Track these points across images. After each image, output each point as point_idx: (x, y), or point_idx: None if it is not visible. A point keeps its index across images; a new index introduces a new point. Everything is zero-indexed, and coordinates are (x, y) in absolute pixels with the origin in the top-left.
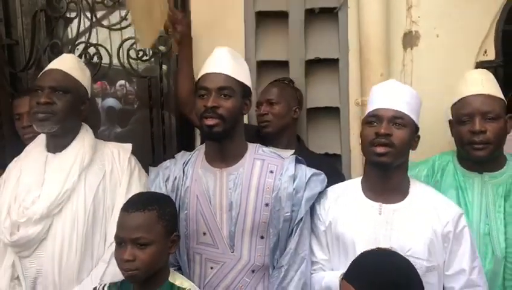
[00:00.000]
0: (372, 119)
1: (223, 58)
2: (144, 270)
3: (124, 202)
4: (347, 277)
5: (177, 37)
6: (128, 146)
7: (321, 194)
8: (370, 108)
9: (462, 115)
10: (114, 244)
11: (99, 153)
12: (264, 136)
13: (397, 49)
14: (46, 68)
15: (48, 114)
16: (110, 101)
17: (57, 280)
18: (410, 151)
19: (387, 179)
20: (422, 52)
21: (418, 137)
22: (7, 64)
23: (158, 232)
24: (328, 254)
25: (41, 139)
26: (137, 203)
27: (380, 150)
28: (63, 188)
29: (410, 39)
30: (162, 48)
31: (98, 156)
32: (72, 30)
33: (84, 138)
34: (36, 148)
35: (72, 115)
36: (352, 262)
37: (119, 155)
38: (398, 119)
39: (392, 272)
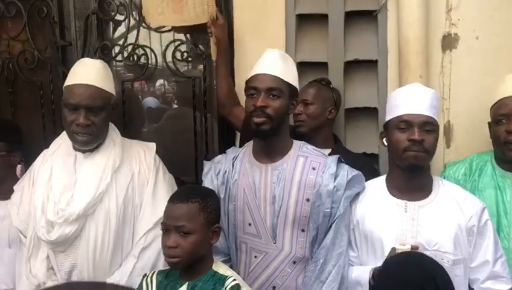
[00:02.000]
0: (402, 125)
1: (273, 60)
2: (185, 257)
3: (151, 199)
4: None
5: (214, 41)
6: (152, 145)
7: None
8: (397, 112)
9: (498, 115)
10: (142, 239)
11: (126, 153)
12: (299, 135)
13: (436, 52)
14: (76, 80)
15: (88, 135)
16: (150, 101)
17: (91, 273)
18: (448, 151)
19: (412, 179)
20: (461, 55)
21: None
22: (61, 64)
23: (199, 222)
24: (357, 251)
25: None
26: (182, 195)
27: (416, 155)
28: (97, 191)
29: (449, 41)
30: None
31: (126, 156)
32: (121, 32)
33: (114, 139)
34: (64, 145)
35: (106, 126)
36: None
37: (145, 155)
38: (428, 125)
39: (418, 274)
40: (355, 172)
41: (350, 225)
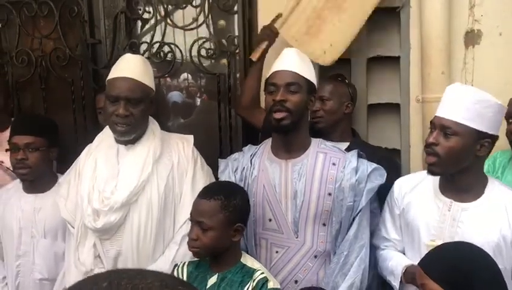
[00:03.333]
0: (431, 126)
1: (291, 57)
2: (204, 250)
3: (191, 189)
4: (421, 262)
5: (265, 46)
6: (190, 137)
7: (401, 180)
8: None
9: (507, 114)
10: (183, 227)
11: (166, 144)
12: (317, 131)
13: (459, 48)
14: (117, 74)
15: (126, 126)
16: (175, 95)
17: (135, 259)
18: None
19: (456, 180)
20: (484, 51)
21: (488, 143)
22: (91, 62)
23: (219, 220)
24: (400, 235)
25: (109, 131)
26: (207, 191)
27: (428, 159)
28: (140, 180)
29: (472, 37)
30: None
31: (165, 148)
32: (148, 30)
33: (154, 131)
34: (106, 139)
35: (146, 119)
36: (430, 252)
37: (183, 147)
38: (448, 128)
39: (457, 258)
40: (375, 165)
41: (396, 211)
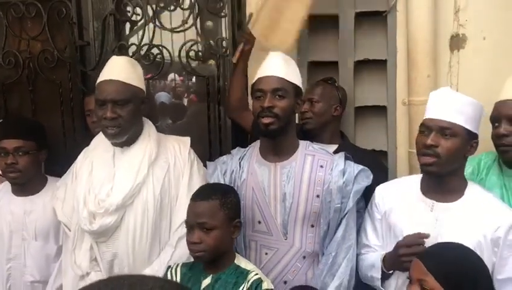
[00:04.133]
0: (422, 128)
1: (277, 62)
2: (209, 251)
3: (187, 191)
4: (421, 257)
5: (243, 48)
6: (187, 139)
7: (382, 185)
8: (425, 116)
9: (492, 118)
10: (179, 229)
11: (162, 147)
12: (306, 132)
13: (444, 52)
14: (103, 77)
15: (116, 128)
16: (162, 96)
17: (131, 262)
18: None
19: (441, 182)
20: (468, 55)
21: (476, 143)
22: (79, 64)
23: (221, 218)
24: (382, 240)
25: None
26: (202, 193)
27: (425, 160)
28: (135, 182)
29: (457, 42)
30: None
31: (162, 150)
32: (137, 32)
33: (150, 134)
34: (103, 142)
35: (136, 120)
36: (430, 247)
37: (180, 149)
38: (447, 129)
39: (462, 261)
40: (361, 167)
41: (377, 216)
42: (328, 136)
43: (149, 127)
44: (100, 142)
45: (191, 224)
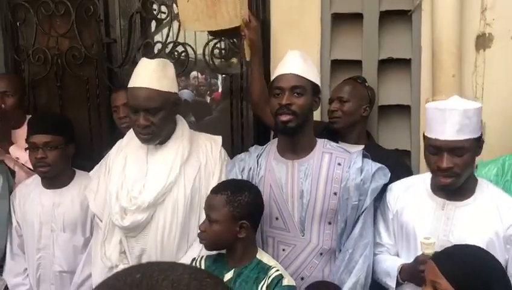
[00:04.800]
0: (432, 150)
1: (295, 60)
2: (208, 241)
3: None
4: (436, 259)
5: (248, 43)
6: (219, 138)
7: (393, 184)
8: (429, 133)
9: None
10: None
11: (194, 145)
12: (333, 132)
13: (470, 51)
14: (136, 84)
15: (148, 135)
16: (185, 93)
17: (159, 257)
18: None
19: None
20: (495, 54)
21: (482, 143)
22: (106, 61)
23: (224, 214)
24: (394, 239)
25: None
26: (218, 186)
27: (444, 181)
28: (167, 181)
29: (483, 41)
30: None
31: (194, 148)
32: (163, 30)
33: (183, 132)
34: (136, 138)
35: (169, 123)
36: (445, 249)
37: (211, 148)
38: (458, 149)
39: (475, 264)
40: (379, 165)
41: (389, 215)
42: (355, 136)
43: (182, 125)
44: (134, 137)
45: (205, 213)
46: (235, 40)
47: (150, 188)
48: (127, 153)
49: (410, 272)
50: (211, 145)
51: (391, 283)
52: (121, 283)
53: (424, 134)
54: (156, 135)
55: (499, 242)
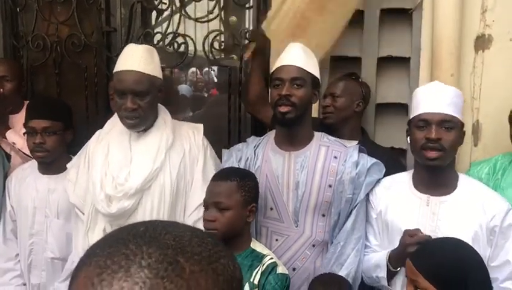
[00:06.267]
0: (420, 123)
1: (295, 52)
2: (222, 231)
3: (201, 176)
4: (411, 256)
5: (253, 46)
6: (200, 126)
7: (374, 184)
8: (417, 111)
9: (509, 117)
10: (194, 213)
11: (177, 133)
12: (327, 127)
13: (469, 52)
14: (123, 67)
15: (135, 119)
16: (183, 88)
17: None
18: (475, 150)
19: (436, 175)
20: (493, 56)
21: (464, 132)
22: (105, 49)
23: (237, 200)
24: (379, 239)
25: None
26: (223, 174)
27: (431, 155)
28: (154, 167)
29: (482, 42)
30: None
31: (177, 136)
32: (163, 20)
33: (165, 120)
34: (118, 125)
35: (154, 109)
36: (418, 246)
37: (194, 135)
38: (447, 122)
39: (449, 256)
40: (374, 160)
41: (373, 215)
42: (349, 131)
43: (164, 114)
44: (115, 126)
45: (208, 202)
46: (235, 35)
47: (136, 175)
48: (109, 141)
49: (399, 254)
50: (193, 132)
51: (382, 273)
52: (124, 233)
53: (408, 125)
54: (143, 119)
55: (483, 234)
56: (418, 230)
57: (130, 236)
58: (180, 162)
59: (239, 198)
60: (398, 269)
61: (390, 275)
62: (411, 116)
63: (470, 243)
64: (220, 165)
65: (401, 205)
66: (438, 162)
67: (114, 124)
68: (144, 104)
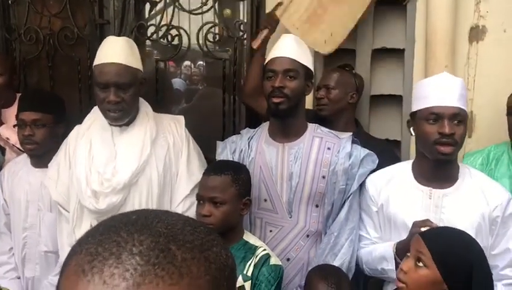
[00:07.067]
0: (431, 116)
1: (289, 44)
2: (217, 225)
3: (186, 168)
4: (423, 235)
5: (266, 35)
6: (181, 118)
7: (373, 177)
8: (426, 104)
9: (508, 108)
10: (180, 205)
11: (159, 126)
12: (321, 119)
13: (463, 43)
14: (104, 59)
15: (119, 112)
16: (177, 83)
17: None
18: (469, 141)
19: (441, 169)
20: (487, 47)
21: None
22: (98, 42)
23: (231, 193)
24: (380, 232)
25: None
26: (216, 168)
27: (446, 150)
28: (140, 161)
29: (476, 33)
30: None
31: (160, 129)
32: (157, 13)
33: (147, 113)
34: (98, 120)
35: (136, 102)
36: (432, 228)
37: (176, 127)
38: (458, 116)
39: (460, 245)
40: (367, 151)
41: (373, 208)
42: (343, 123)
43: (146, 107)
44: (95, 121)
45: (202, 197)
46: (229, 27)
47: (123, 169)
48: (90, 137)
49: (408, 244)
50: (175, 124)
51: (390, 266)
52: (116, 221)
53: (411, 116)
54: (126, 112)
55: (485, 224)
56: (428, 220)
57: (121, 224)
58: (165, 154)
59: (234, 192)
60: None
61: (396, 266)
62: (416, 108)
63: (474, 234)
64: (202, 156)
65: (403, 198)
66: (450, 157)
67: (93, 119)
68: (127, 97)
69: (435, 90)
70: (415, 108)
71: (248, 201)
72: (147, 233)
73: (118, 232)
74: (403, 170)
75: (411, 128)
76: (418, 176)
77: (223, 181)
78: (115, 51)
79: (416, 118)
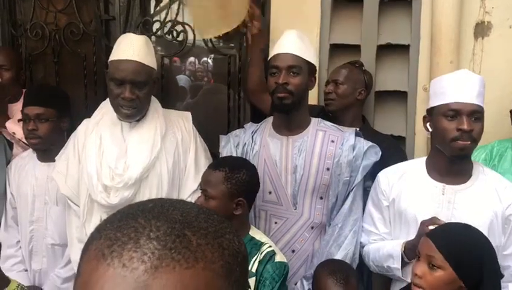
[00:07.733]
0: (450, 113)
1: (292, 40)
2: None
3: (194, 164)
4: (431, 235)
5: (254, 32)
6: (188, 114)
7: (386, 172)
8: (444, 100)
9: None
10: (188, 200)
11: (168, 122)
12: (328, 115)
13: (468, 39)
14: (122, 56)
15: (133, 109)
16: (182, 79)
17: None
18: None
19: (456, 165)
20: (493, 43)
21: None
22: (104, 37)
23: (221, 191)
24: (389, 227)
25: (108, 106)
26: (216, 163)
27: (464, 145)
28: (151, 156)
29: (482, 29)
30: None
31: (169, 125)
32: (162, 9)
33: (156, 109)
34: (107, 115)
35: (149, 100)
36: (440, 226)
37: (184, 123)
38: (477, 113)
39: (471, 242)
40: (370, 143)
41: (384, 203)
42: (350, 119)
43: (155, 103)
44: (104, 116)
45: (201, 189)
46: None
47: (134, 164)
48: (100, 132)
49: (417, 244)
50: (183, 120)
51: (396, 264)
52: (133, 209)
53: (428, 112)
54: (140, 109)
55: (498, 223)
56: (435, 218)
57: (139, 211)
58: (174, 150)
59: (224, 189)
60: (413, 260)
61: (402, 265)
62: (434, 104)
63: (486, 232)
64: (208, 152)
65: (415, 193)
66: (467, 152)
67: (103, 114)
68: (142, 95)
69: (454, 87)
70: (432, 104)
71: (241, 202)
72: (163, 219)
73: (136, 219)
74: (416, 166)
75: (427, 124)
76: (431, 172)
77: (216, 177)
78: (133, 48)
79: (434, 114)
